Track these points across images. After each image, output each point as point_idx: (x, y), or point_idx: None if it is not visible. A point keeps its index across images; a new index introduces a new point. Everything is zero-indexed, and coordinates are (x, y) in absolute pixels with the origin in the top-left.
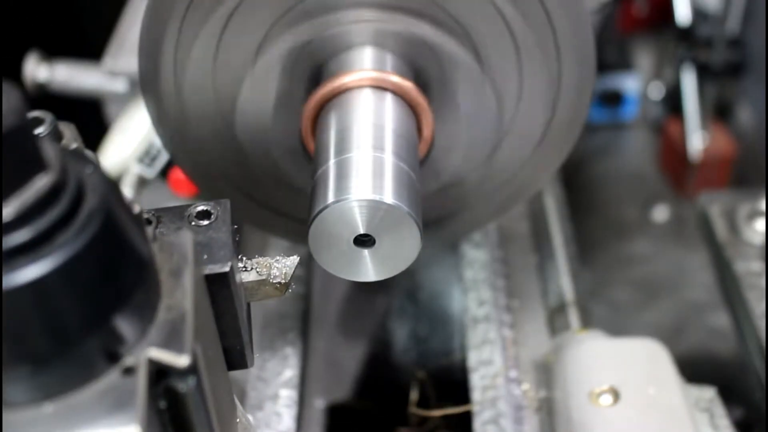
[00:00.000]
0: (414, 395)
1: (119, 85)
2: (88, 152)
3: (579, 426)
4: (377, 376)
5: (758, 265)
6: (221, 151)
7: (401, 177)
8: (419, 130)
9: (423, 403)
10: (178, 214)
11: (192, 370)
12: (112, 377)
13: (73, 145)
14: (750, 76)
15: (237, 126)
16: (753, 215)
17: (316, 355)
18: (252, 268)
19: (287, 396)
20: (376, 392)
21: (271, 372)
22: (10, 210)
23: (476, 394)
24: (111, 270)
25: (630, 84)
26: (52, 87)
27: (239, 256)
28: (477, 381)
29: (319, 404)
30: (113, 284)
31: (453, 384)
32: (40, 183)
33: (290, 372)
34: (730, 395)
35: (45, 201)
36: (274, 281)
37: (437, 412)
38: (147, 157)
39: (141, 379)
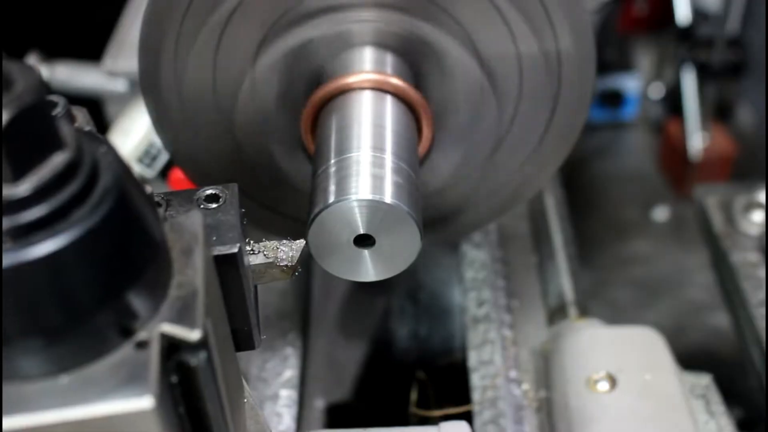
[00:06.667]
0: (414, 395)
1: (119, 85)
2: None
3: (576, 412)
4: (377, 376)
5: (755, 256)
6: (221, 151)
7: (401, 177)
8: (419, 130)
9: (423, 403)
10: (187, 197)
11: (203, 344)
12: (125, 351)
13: (87, 128)
14: (750, 76)
15: (237, 126)
16: (749, 207)
17: (316, 355)
18: (259, 251)
19: (287, 396)
20: (376, 392)
21: (271, 372)
22: (27, 186)
23: (476, 394)
24: (124, 246)
25: (630, 84)
26: (52, 87)
27: (246, 240)
28: (477, 381)
29: (319, 404)
30: (126, 260)
31: (453, 384)
32: (57, 160)
33: (290, 372)
34: (730, 395)
35: (61, 178)
36: (281, 264)
37: (437, 412)
38: (147, 157)
39: (154, 353)
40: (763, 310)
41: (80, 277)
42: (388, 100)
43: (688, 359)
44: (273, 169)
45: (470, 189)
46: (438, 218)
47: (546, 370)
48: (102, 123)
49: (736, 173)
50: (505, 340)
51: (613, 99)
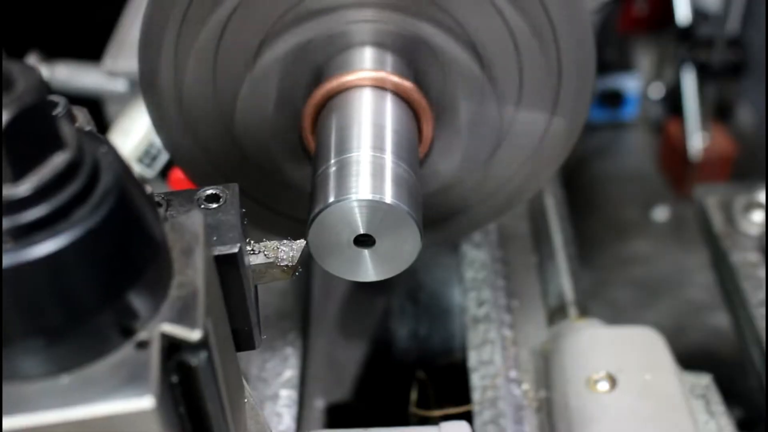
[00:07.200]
0: (414, 395)
1: (119, 85)
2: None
3: (576, 412)
4: (377, 376)
5: (755, 256)
6: (221, 151)
7: (401, 177)
8: (419, 130)
9: (423, 403)
10: (187, 197)
11: (203, 344)
12: (126, 351)
13: (87, 128)
14: (750, 76)
15: (237, 126)
16: (749, 207)
17: (316, 355)
18: (260, 251)
19: (287, 396)
20: (376, 392)
21: (271, 372)
22: (27, 186)
23: (476, 394)
24: (125, 246)
25: (630, 84)
26: (53, 87)
27: (247, 240)
28: (477, 381)
29: (319, 404)
30: (127, 260)
31: (453, 384)
32: (58, 160)
33: (290, 372)
34: (730, 395)
35: (62, 178)
36: (282, 264)
37: (437, 412)
38: (147, 157)
39: (154, 352)
40: (763, 310)
41: (81, 277)
42: (388, 99)
43: (688, 359)
44: (273, 169)
45: (470, 189)
46: (438, 218)
47: (546, 370)
48: (102, 123)
49: (736, 173)
50: (505, 340)
51: (613, 99)
